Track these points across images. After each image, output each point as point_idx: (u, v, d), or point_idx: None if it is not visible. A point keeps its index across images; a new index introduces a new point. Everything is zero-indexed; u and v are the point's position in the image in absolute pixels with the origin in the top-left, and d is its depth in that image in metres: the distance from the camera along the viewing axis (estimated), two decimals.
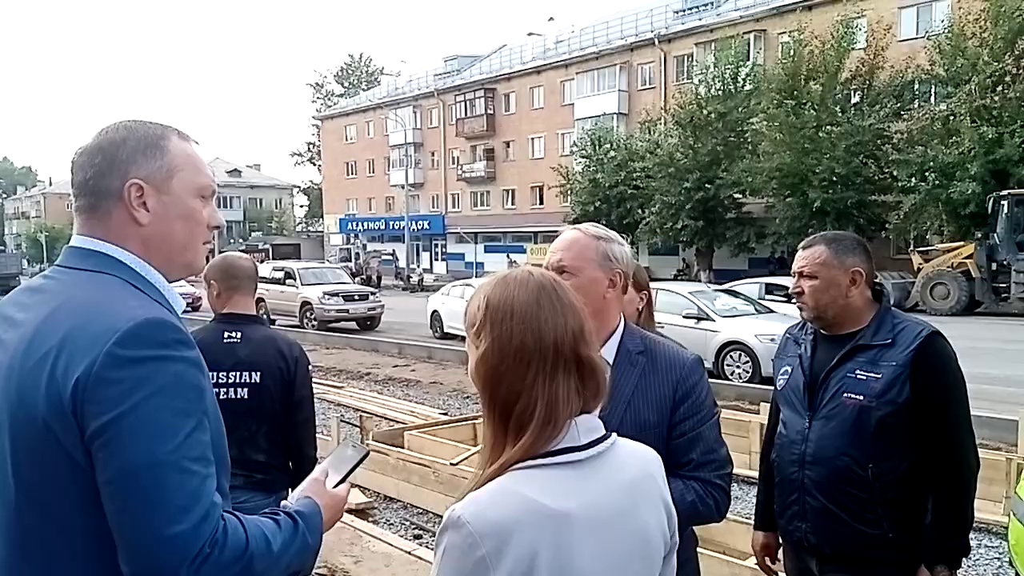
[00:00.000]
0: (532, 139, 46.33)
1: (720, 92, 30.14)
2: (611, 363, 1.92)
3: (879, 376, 2.22)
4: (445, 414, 9.33)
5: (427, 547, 4.85)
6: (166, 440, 1.14)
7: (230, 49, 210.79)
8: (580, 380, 1.18)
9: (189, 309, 24.39)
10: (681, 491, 1.78)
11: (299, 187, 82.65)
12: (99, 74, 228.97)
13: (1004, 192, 21.23)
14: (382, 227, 53.82)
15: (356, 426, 8.12)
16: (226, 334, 2.88)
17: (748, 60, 31.22)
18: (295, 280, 20.96)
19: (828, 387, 2.31)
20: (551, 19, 51.94)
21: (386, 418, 9.17)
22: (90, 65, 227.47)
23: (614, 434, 1.24)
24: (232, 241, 66.03)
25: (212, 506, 1.16)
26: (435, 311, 18.49)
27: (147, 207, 1.32)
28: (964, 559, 2.28)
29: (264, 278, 20.70)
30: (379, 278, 37.47)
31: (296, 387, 2.90)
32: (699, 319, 12.22)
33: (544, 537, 1.08)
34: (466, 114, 49.54)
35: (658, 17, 40.45)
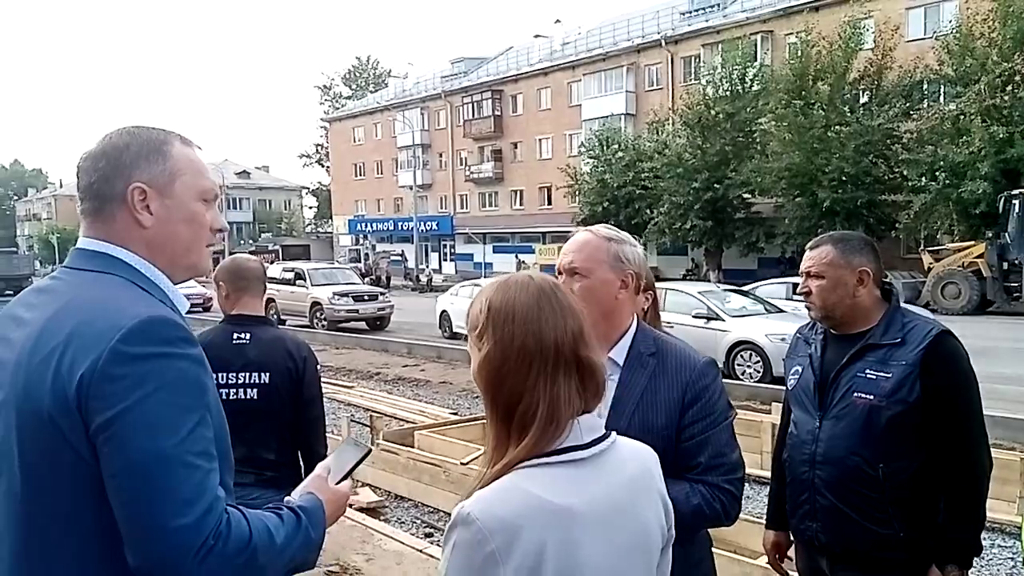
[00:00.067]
0: (540, 140, 46.34)
1: (728, 93, 30.08)
2: (621, 364, 1.92)
3: (889, 375, 2.21)
4: (455, 414, 9.34)
5: (438, 545, 4.85)
6: (170, 435, 1.17)
7: (239, 52, 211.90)
8: (580, 381, 1.21)
9: (200, 310, 24.54)
10: (687, 494, 1.77)
11: (308, 188, 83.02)
12: (110, 77, 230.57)
13: (1015, 191, 21.08)
14: (391, 228, 53.96)
15: (367, 425, 8.14)
16: (235, 335, 2.90)
17: (755, 61, 31.17)
18: (305, 281, 21.06)
19: (838, 387, 2.30)
20: (558, 21, 51.66)
21: (396, 418, 9.19)
22: (101, 68, 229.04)
23: (614, 432, 1.27)
24: (242, 242, 66.37)
25: (216, 499, 1.19)
26: (444, 311, 18.52)
27: (150, 210, 1.35)
28: (976, 559, 2.27)
29: (274, 279, 20.80)
30: (388, 278, 37.61)
31: (305, 386, 2.93)
32: (709, 319, 12.19)
33: (551, 533, 1.11)
34: (474, 115, 49.60)
35: (665, 19, 40.42)
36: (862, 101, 27.09)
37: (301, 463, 2.94)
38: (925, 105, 26.40)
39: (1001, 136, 21.85)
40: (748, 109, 29.21)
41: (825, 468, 2.30)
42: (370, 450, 1.63)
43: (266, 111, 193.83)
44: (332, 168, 66.09)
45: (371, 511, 5.87)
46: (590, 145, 36.50)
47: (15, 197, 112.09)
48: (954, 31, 24.22)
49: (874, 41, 27.15)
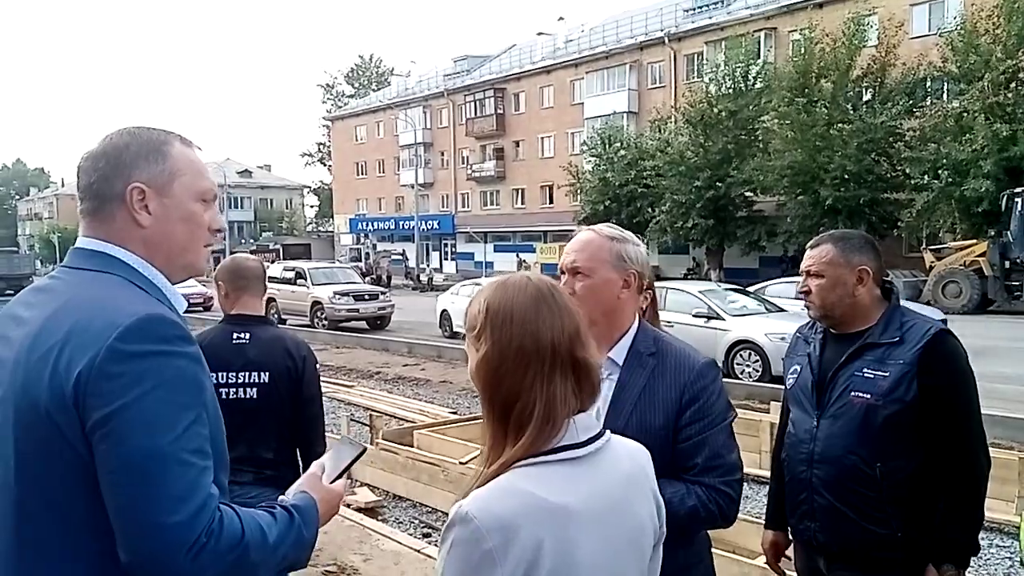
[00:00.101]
0: (542, 138, 46.31)
1: (731, 90, 30.04)
2: (620, 364, 1.92)
3: (886, 375, 2.21)
4: (454, 413, 9.34)
5: (436, 545, 4.84)
6: (165, 432, 1.18)
7: (241, 51, 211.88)
8: (576, 381, 1.23)
9: (201, 309, 24.58)
10: (683, 495, 1.77)
11: (309, 187, 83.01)
12: (112, 76, 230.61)
13: (1018, 189, 21.04)
14: (392, 227, 53.96)
15: (367, 425, 8.15)
16: (235, 335, 2.91)
17: (758, 58, 31.11)
18: (306, 280, 21.07)
19: (836, 386, 2.30)
20: (561, 18, 51.88)
21: (396, 417, 9.20)
22: (102, 67, 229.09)
23: (608, 431, 1.28)
24: (243, 241, 66.43)
25: (209, 497, 1.20)
26: (444, 310, 18.51)
27: (148, 210, 1.36)
28: (974, 558, 2.27)
29: (275, 278, 20.81)
30: (389, 278, 37.59)
31: (304, 385, 2.94)
32: (709, 318, 12.19)
33: (547, 531, 1.12)
34: (476, 114, 49.59)
35: (668, 16, 40.34)
36: (865, 98, 27.06)
37: (300, 462, 2.95)
38: (928, 102, 26.38)
39: (1004, 134, 21.82)
40: (751, 107, 29.19)
41: (822, 467, 2.30)
42: (364, 449, 1.64)
43: (268, 110, 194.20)
44: (334, 167, 66.13)
45: (369, 511, 5.87)
46: (592, 143, 36.46)
47: (17, 196, 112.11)
48: (958, 27, 24.19)
49: (878, 38, 27.13)
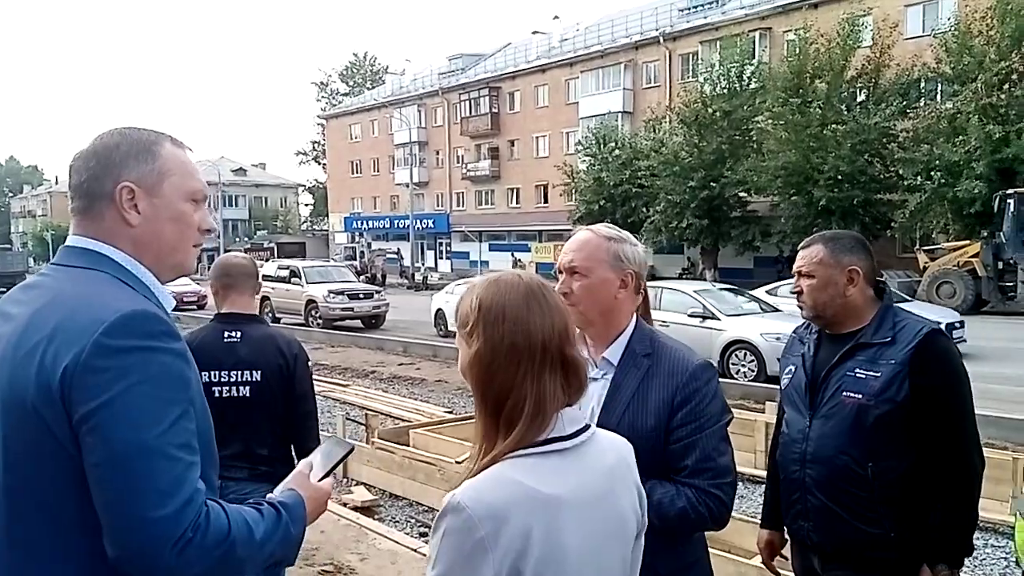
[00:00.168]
0: (537, 138, 46.32)
1: (725, 90, 30.09)
2: (615, 364, 1.92)
3: (878, 375, 2.21)
4: (450, 412, 9.34)
5: None
6: (151, 427, 1.18)
7: (235, 49, 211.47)
8: (565, 377, 1.26)
9: (195, 307, 24.53)
10: (672, 497, 1.77)
11: (304, 186, 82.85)
12: (105, 74, 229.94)
13: (1011, 191, 21.11)
14: (387, 226, 53.92)
15: (362, 424, 8.14)
16: (226, 333, 2.92)
17: (753, 58, 31.16)
18: (300, 279, 21.02)
19: (828, 386, 2.31)
20: (556, 17, 51.71)
21: (391, 416, 9.19)
22: (96, 65, 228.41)
23: (592, 425, 1.32)
24: (237, 239, 66.32)
25: (195, 492, 1.20)
26: (439, 309, 18.49)
27: (138, 209, 1.37)
28: (968, 559, 2.28)
29: (269, 276, 20.77)
30: (384, 276, 37.56)
31: (296, 382, 2.96)
32: (705, 318, 12.20)
33: (537, 519, 1.16)
34: (471, 113, 49.57)
35: (663, 15, 40.36)
36: (859, 99, 27.12)
37: (295, 458, 2.95)
38: (922, 103, 26.44)
39: (997, 135, 21.89)
40: (745, 107, 29.22)
41: (815, 467, 2.30)
42: (352, 448, 1.65)
43: (263, 108, 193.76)
44: (328, 165, 66.01)
45: (365, 510, 5.86)
46: (587, 143, 36.44)
47: (10, 194, 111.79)
48: (952, 28, 24.27)
49: (872, 39, 27.17)
